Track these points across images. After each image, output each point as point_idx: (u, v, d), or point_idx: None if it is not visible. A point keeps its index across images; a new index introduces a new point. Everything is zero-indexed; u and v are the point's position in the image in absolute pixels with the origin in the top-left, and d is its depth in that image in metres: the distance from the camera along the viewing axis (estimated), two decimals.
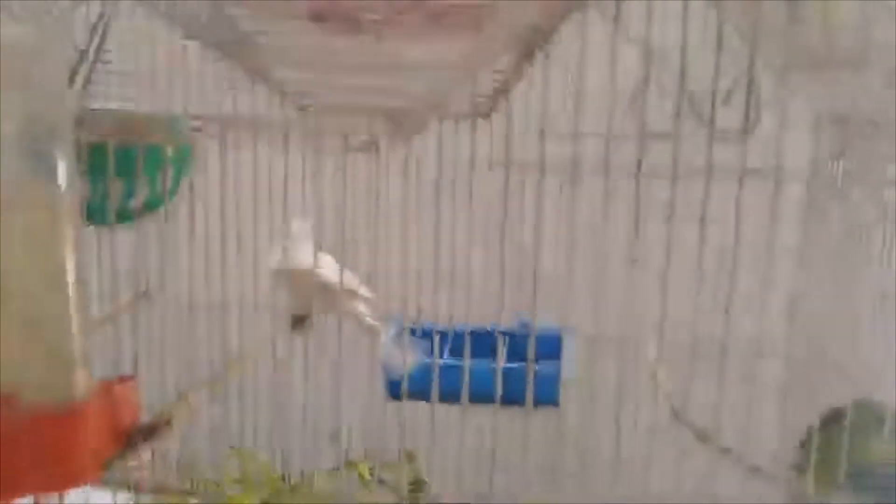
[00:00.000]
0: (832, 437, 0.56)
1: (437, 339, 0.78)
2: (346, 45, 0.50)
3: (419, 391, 0.73)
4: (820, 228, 0.65)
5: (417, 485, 0.69)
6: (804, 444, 0.58)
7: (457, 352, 0.75)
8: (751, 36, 0.47)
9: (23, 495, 0.49)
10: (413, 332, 0.76)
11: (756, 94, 0.52)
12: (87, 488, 0.58)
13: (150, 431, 0.54)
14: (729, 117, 0.54)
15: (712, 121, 0.52)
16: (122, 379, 0.54)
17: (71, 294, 0.48)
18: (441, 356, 0.78)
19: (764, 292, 0.62)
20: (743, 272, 0.63)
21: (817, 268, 0.68)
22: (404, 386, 0.72)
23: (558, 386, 0.77)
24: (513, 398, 0.72)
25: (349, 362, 0.74)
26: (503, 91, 0.66)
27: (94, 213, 0.69)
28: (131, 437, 0.52)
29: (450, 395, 0.72)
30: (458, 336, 0.75)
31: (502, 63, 0.59)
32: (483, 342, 0.74)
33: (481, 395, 0.70)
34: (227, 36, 0.51)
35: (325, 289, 0.74)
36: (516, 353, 0.73)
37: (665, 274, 0.64)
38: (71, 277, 0.49)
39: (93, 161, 0.64)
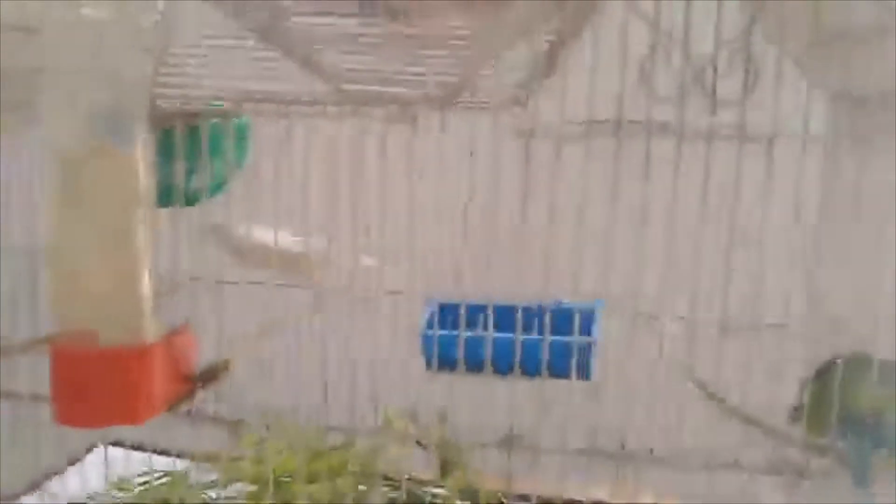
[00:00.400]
0: (824, 386, 0.59)
1: (476, 313, 0.83)
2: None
3: (456, 362, 0.77)
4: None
5: (449, 445, 0.73)
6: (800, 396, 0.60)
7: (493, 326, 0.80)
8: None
9: (97, 426, 0.55)
10: (452, 307, 0.81)
11: (754, 60, 0.56)
12: None
13: (209, 375, 0.60)
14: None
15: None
16: (182, 328, 0.60)
17: (144, 249, 0.55)
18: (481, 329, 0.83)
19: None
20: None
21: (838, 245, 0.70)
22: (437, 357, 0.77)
23: (591, 360, 0.81)
24: (551, 371, 0.77)
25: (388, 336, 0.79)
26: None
27: (160, 196, 0.75)
28: (193, 380, 0.58)
29: (487, 367, 0.77)
30: (498, 310, 0.79)
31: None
32: (512, 317, 0.78)
33: (514, 367, 0.75)
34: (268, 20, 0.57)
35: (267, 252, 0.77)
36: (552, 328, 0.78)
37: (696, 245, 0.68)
38: (143, 235, 0.56)
39: (160, 142, 0.70)
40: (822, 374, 0.60)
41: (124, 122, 0.55)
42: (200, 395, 0.60)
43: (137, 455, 0.87)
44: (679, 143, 0.58)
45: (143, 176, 0.57)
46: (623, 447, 0.65)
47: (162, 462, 0.84)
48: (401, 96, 0.63)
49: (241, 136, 0.80)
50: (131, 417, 0.55)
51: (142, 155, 0.57)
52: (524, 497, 0.81)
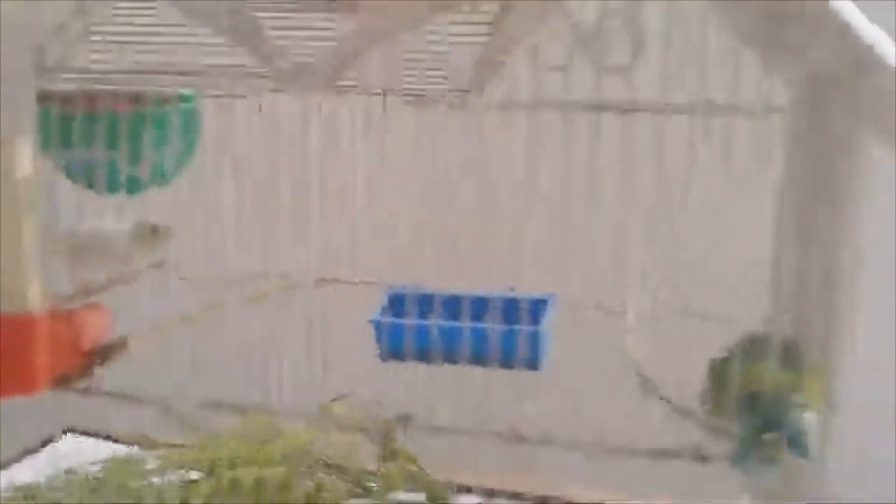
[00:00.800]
0: (724, 367, 0.59)
1: (425, 302, 0.82)
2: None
3: (408, 352, 0.77)
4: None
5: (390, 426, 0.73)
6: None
7: (446, 316, 0.80)
8: None
9: None
10: (403, 296, 0.81)
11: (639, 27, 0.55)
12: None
13: (105, 352, 0.60)
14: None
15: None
16: (94, 306, 0.60)
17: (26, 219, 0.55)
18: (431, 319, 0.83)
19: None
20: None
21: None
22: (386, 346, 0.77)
23: (541, 350, 0.80)
24: (498, 361, 0.76)
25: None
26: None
27: (105, 182, 0.75)
28: (89, 356, 0.58)
29: (436, 356, 0.77)
30: (448, 300, 0.79)
31: None
32: (469, 307, 0.78)
33: (460, 356, 0.75)
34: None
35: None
36: (502, 317, 0.78)
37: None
38: (26, 204, 0.56)
39: (101, 129, 0.69)
40: (724, 356, 0.60)
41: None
42: (97, 371, 0.60)
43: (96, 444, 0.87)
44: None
45: (23, 148, 0.57)
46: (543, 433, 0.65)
47: (119, 450, 0.84)
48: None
49: (189, 122, 0.79)
50: (7, 389, 0.55)
51: (20, 127, 0.57)
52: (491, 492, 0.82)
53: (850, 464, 0.59)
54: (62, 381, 0.58)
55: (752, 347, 0.58)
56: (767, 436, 0.55)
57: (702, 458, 0.58)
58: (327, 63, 0.62)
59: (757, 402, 0.56)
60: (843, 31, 0.53)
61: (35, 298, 0.57)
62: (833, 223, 0.56)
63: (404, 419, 0.67)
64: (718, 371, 0.59)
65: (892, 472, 0.92)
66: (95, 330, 0.61)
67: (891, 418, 0.93)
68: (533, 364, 0.79)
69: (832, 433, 0.57)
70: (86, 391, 0.62)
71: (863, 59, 0.53)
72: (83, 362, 0.60)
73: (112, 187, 0.75)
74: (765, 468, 0.55)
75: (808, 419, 0.55)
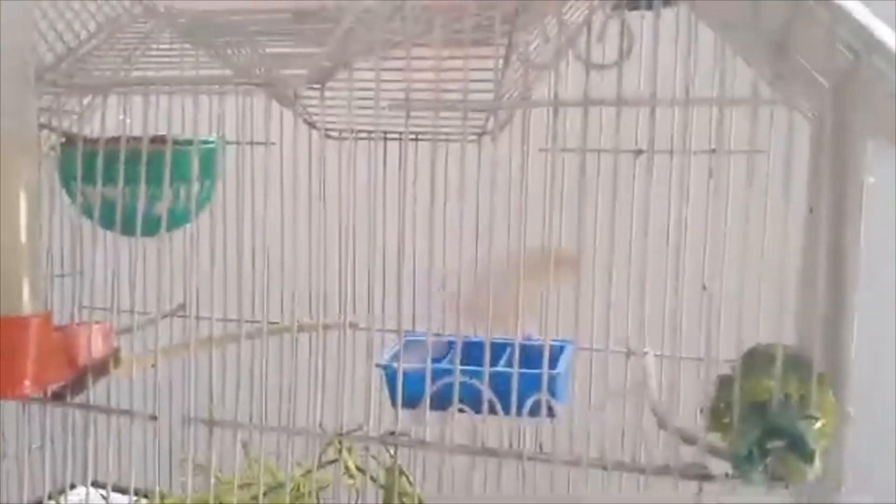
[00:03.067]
0: (729, 383, 0.57)
1: (440, 348, 0.81)
2: None
3: (419, 398, 0.75)
4: None
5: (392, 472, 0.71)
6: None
7: (463, 361, 0.78)
8: None
9: None
10: (416, 341, 0.80)
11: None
12: None
13: (98, 367, 0.60)
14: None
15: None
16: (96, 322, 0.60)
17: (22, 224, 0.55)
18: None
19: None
20: None
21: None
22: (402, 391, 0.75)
23: (559, 395, 0.78)
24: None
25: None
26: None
27: (123, 223, 0.75)
28: (82, 370, 0.58)
29: (449, 403, 0.75)
30: (465, 345, 0.78)
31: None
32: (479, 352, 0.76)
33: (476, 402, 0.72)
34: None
35: None
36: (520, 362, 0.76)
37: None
38: (23, 211, 0.56)
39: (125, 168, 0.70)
40: (726, 376, 0.59)
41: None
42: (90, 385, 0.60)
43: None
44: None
45: (24, 151, 0.57)
46: (510, 446, 0.62)
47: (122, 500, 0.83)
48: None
49: (208, 162, 0.80)
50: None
51: (23, 131, 0.58)
52: None
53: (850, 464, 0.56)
54: (57, 396, 0.58)
55: (759, 360, 0.56)
56: (772, 444, 0.52)
57: (705, 476, 0.56)
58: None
59: (762, 411, 0.54)
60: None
61: (29, 301, 0.57)
62: (837, 233, 0.55)
63: (391, 435, 0.65)
64: (726, 386, 0.57)
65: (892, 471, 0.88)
66: (93, 345, 0.61)
67: (891, 418, 0.90)
68: (551, 410, 0.77)
69: (844, 444, 0.54)
70: (80, 405, 0.62)
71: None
72: (78, 376, 0.60)
73: (129, 228, 0.76)
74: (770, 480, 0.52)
75: (815, 428, 0.53)
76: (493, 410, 0.73)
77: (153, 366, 0.66)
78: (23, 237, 0.57)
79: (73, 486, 0.95)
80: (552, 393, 0.77)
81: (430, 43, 0.63)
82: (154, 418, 0.66)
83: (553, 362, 0.80)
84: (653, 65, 0.60)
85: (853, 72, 0.52)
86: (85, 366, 0.61)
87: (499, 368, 0.77)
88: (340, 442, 0.73)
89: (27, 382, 0.57)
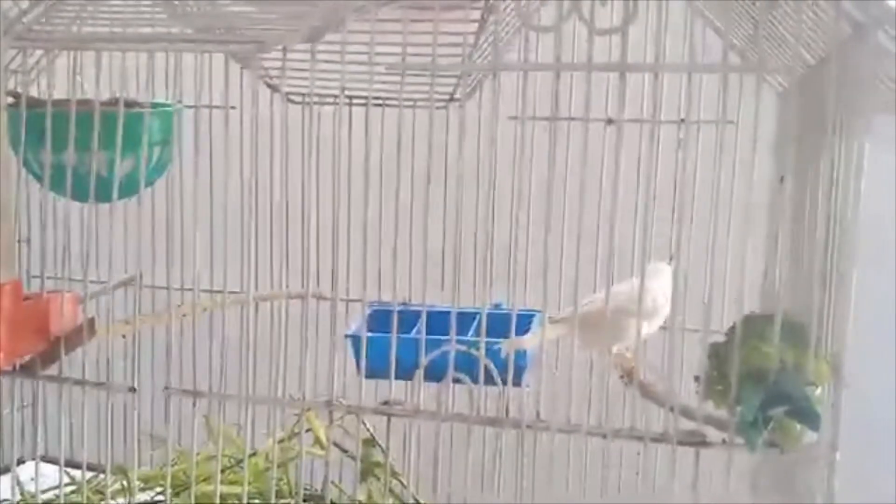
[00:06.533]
0: (728, 349, 0.57)
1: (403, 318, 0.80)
2: None
3: (384, 368, 0.74)
4: None
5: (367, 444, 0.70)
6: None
7: (429, 331, 0.77)
8: None
9: None
10: (384, 311, 0.78)
11: None
12: None
13: (71, 336, 0.57)
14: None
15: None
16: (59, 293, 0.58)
17: None
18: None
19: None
20: None
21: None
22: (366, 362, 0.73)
23: (523, 366, 0.78)
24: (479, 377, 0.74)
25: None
26: None
27: (75, 188, 0.72)
28: (55, 340, 0.55)
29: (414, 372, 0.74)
30: (431, 315, 0.76)
31: None
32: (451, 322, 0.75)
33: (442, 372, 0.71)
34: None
35: None
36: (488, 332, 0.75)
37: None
38: None
39: (72, 131, 0.67)
40: (724, 340, 0.59)
41: None
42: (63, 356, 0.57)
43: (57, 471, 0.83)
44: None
45: None
46: (507, 413, 0.62)
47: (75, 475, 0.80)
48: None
49: (165, 127, 0.77)
50: None
51: None
52: None
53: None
54: (28, 367, 0.55)
55: (754, 327, 0.57)
56: (774, 410, 0.53)
57: (703, 443, 0.56)
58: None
59: (762, 377, 0.54)
60: None
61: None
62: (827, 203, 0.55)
63: (387, 404, 0.64)
64: (720, 353, 0.57)
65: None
66: (64, 316, 0.58)
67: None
68: (517, 379, 0.76)
69: (840, 410, 0.55)
70: (51, 377, 0.59)
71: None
72: (50, 347, 0.58)
73: (81, 193, 0.73)
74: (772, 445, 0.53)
75: (815, 393, 0.53)
76: (476, 380, 0.72)
77: (123, 336, 0.64)
78: None
79: (21, 462, 0.92)
80: (519, 362, 0.76)
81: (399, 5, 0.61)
82: (133, 390, 0.64)
83: (522, 332, 0.80)
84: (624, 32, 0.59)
85: (853, 44, 0.52)
86: (57, 336, 0.59)
87: (467, 338, 0.76)
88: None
89: (0, 355, 0.54)
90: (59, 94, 0.72)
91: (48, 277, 0.73)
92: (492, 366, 0.68)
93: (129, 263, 0.79)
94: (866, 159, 0.55)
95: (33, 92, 0.79)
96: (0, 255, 0.56)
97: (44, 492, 0.76)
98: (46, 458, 0.81)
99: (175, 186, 0.80)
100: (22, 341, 0.57)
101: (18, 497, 0.77)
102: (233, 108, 0.69)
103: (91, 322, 0.61)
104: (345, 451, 0.75)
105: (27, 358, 0.62)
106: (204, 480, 0.74)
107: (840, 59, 0.51)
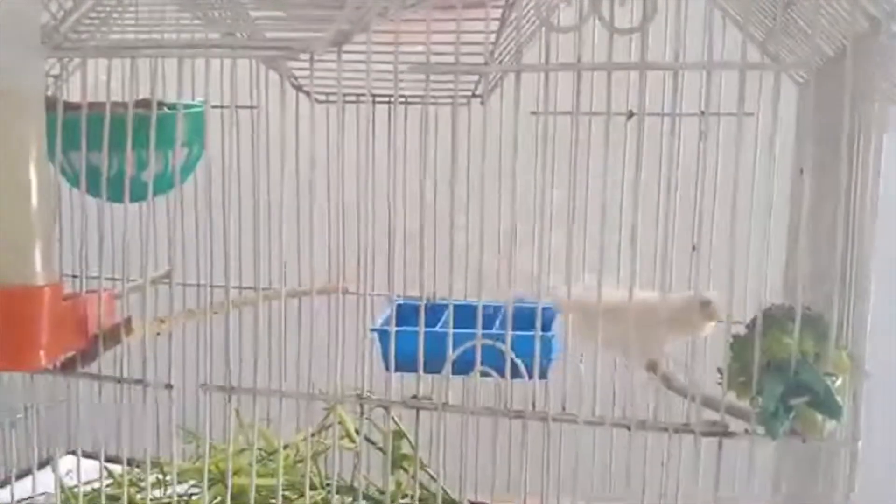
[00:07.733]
0: (748, 343, 0.58)
1: (431, 312, 0.81)
2: None
3: (410, 362, 0.75)
4: None
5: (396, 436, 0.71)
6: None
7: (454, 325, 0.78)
8: None
9: None
10: (410, 306, 0.80)
11: None
12: None
13: (110, 335, 0.59)
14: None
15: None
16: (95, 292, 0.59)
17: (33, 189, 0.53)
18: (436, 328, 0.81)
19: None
20: None
21: None
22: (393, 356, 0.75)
23: (549, 360, 0.79)
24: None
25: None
26: None
27: (109, 189, 0.74)
28: (94, 338, 0.57)
29: (440, 366, 0.75)
30: (456, 309, 0.78)
31: None
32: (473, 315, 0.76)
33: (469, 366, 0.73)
34: None
35: None
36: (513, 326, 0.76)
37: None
38: (34, 182, 0.55)
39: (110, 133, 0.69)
40: (745, 333, 0.60)
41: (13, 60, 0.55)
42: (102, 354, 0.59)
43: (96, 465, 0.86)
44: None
45: (34, 115, 0.56)
46: (534, 407, 0.63)
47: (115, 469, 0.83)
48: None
49: (196, 126, 0.78)
50: (14, 360, 0.55)
51: (32, 93, 0.56)
52: None
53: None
54: (68, 365, 0.57)
55: (775, 318, 0.57)
56: (796, 400, 0.54)
57: (726, 433, 0.57)
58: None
59: (783, 368, 0.55)
60: None
61: (40, 272, 0.56)
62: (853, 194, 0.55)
63: (414, 399, 0.65)
64: (742, 345, 0.58)
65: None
66: (101, 314, 0.60)
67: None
68: (543, 371, 0.77)
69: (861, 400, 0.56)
70: (90, 375, 0.61)
71: None
72: (88, 345, 0.59)
73: (115, 194, 0.74)
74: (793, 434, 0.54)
75: (836, 383, 0.54)
76: (501, 374, 0.73)
77: (158, 334, 0.66)
78: (34, 203, 0.56)
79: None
80: (545, 354, 0.78)
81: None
82: (169, 387, 0.65)
83: (548, 326, 0.81)
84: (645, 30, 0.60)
85: (869, 38, 0.52)
86: (95, 335, 0.61)
87: (493, 331, 0.77)
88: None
89: (42, 353, 0.56)
90: (75, 97, 0.74)
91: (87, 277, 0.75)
92: (517, 360, 0.69)
93: (161, 263, 0.81)
94: (885, 151, 0.56)
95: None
96: (41, 258, 0.57)
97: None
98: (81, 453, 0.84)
99: (207, 186, 0.81)
100: (62, 341, 0.59)
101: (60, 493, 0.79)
102: (255, 107, 0.70)
103: (128, 320, 0.63)
104: (373, 443, 0.77)
105: (66, 356, 0.64)
106: (235, 473, 0.76)
107: (858, 53, 0.52)
